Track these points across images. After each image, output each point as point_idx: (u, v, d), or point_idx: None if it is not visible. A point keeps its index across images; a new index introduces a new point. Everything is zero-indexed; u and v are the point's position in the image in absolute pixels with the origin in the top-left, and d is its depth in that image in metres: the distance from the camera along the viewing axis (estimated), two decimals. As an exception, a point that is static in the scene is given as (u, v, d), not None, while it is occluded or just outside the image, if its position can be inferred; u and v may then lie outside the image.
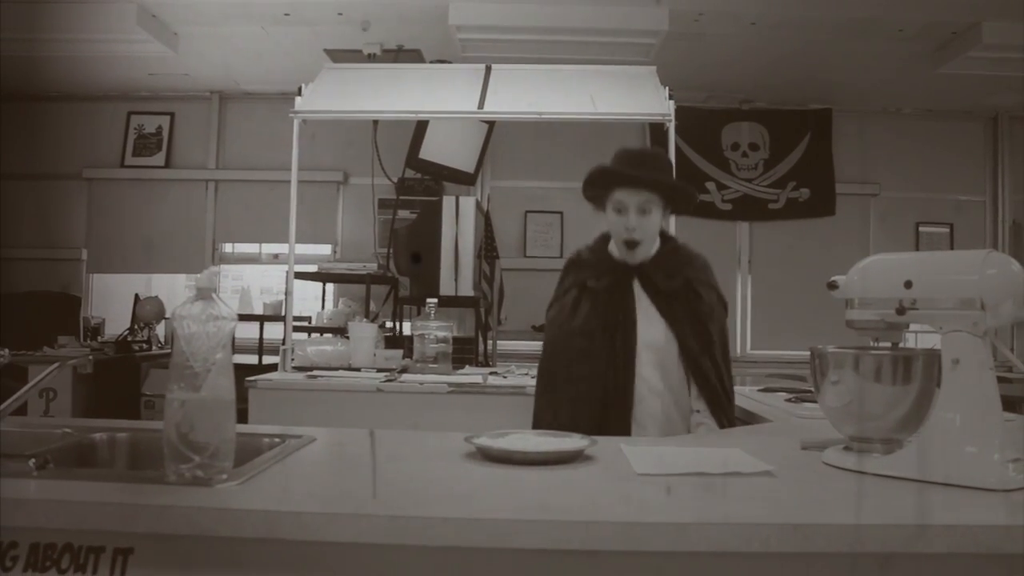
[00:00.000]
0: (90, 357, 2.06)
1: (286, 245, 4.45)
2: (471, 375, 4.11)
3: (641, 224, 2.51)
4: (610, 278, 2.60)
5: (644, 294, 2.58)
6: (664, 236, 2.68)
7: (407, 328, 5.35)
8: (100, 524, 1.34)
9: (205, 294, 1.51)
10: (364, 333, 4.33)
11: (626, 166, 2.55)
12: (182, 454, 1.45)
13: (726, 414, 2.56)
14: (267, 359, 5.44)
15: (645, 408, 2.50)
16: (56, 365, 1.94)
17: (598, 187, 2.59)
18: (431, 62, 5.90)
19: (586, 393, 2.49)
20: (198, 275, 1.54)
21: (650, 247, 2.59)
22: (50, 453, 1.58)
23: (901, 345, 1.77)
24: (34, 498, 1.38)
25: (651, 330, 2.53)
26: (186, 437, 1.45)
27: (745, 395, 3.36)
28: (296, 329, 4.93)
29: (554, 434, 1.97)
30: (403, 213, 6.25)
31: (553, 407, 2.56)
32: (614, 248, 2.63)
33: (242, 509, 1.35)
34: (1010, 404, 1.89)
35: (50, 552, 1.34)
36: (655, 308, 2.55)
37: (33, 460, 1.51)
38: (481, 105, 4.41)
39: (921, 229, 7.10)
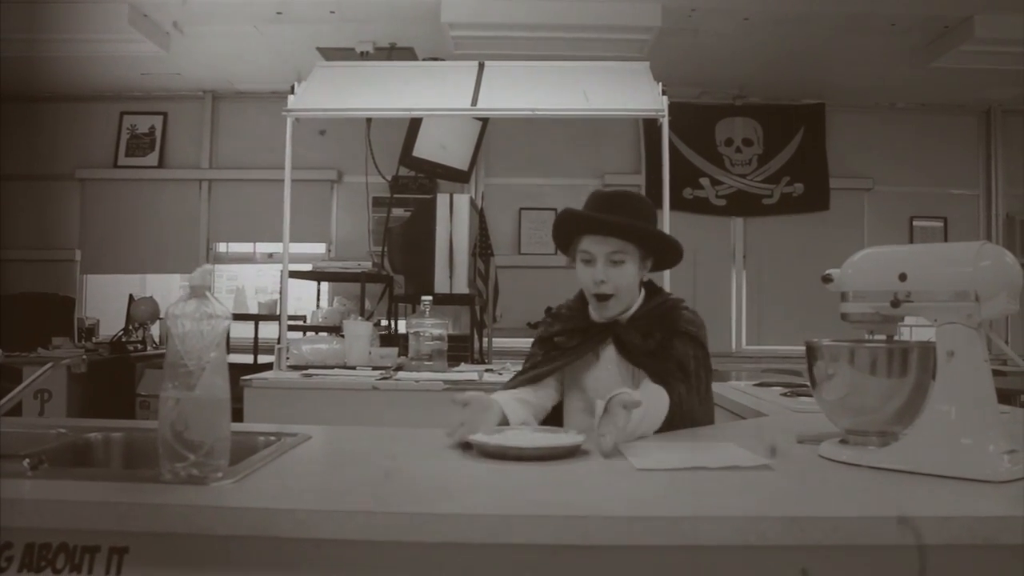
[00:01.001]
0: (84, 357, 2.06)
1: (280, 244, 4.45)
2: (466, 372, 4.11)
3: (611, 276, 2.21)
4: (580, 338, 2.33)
5: (617, 357, 2.29)
6: (650, 288, 2.40)
7: (402, 326, 5.35)
8: (95, 523, 1.34)
9: (199, 292, 1.50)
10: (359, 331, 4.32)
11: (596, 209, 2.27)
12: (177, 453, 1.45)
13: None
14: (262, 358, 5.43)
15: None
16: (50, 365, 1.93)
17: (564, 233, 2.31)
18: (424, 60, 5.89)
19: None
20: (191, 274, 1.54)
21: (625, 303, 2.29)
22: (45, 453, 1.57)
23: (896, 338, 1.77)
24: (29, 498, 1.38)
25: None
26: (181, 436, 1.45)
27: (740, 390, 3.37)
28: (291, 328, 4.93)
29: (551, 430, 1.96)
30: (397, 211, 6.24)
31: None
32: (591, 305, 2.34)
33: (237, 507, 1.35)
34: (1005, 397, 1.90)
35: (45, 552, 1.34)
36: (627, 373, 2.27)
37: (28, 460, 1.50)
38: (474, 102, 4.41)
39: (915, 223, 7.11)
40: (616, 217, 2.22)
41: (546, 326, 2.44)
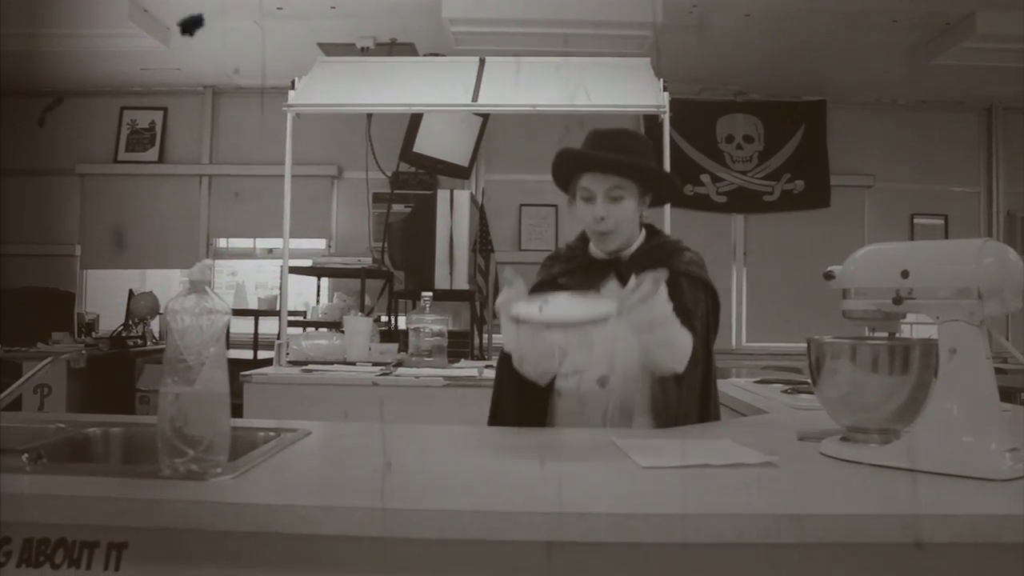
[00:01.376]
0: (83, 352, 2.05)
1: (280, 240, 4.45)
2: (466, 368, 4.11)
3: (611, 212, 2.23)
4: (582, 275, 2.34)
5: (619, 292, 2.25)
6: (651, 230, 2.42)
7: (402, 322, 5.34)
8: (94, 519, 1.33)
9: (198, 287, 1.50)
10: (359, 327, 4.32)
11: (594, 147, 2.29)
12: (176, 448, 1.45)
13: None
14: (262, 354, 5.42)
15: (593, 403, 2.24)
16: (49, 359, 1.93)
17: (563, 171, 2.33)
18: (424, 55, 5.89)
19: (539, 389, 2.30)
20: (191, 268, 1.53)
21: (626, 238, 2.31)
22: (43, 448, 1.57)
23: (897, 335, 1.77)
24: (27, 493, 1.37)
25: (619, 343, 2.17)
26: (180, 431, 1.45)
27: (741, 387, 3.36)
28: (291, 324, 4.92)
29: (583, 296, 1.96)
30: (397, 207, 6.24)
31: (501, 398, 2.38)
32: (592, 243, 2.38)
33: (237, 503, 1.34)
34: (1006, 395, 1.89)
35: (44, 547, 1.34)
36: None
37: (26, 455, 1.50)
38: (475, 98, 4.41)
39: (916, 220, 7.10)
40: (613, 154, 2.25)
41: (546, 269, 2.46)
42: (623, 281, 2.10)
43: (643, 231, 2.40)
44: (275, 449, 1.73)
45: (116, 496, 1.35)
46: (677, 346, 2.11)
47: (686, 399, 2.21)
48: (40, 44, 5.69)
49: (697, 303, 2.27)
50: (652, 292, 1.90)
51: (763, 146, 7.06)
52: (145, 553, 1.34)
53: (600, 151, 2.27)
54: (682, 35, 5.62)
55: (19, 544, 1.34)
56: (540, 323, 1.91)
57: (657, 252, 2.32)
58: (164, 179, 7.16)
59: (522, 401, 2.30)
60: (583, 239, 2.42)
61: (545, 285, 2.38)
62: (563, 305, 1.93)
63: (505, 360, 2.32)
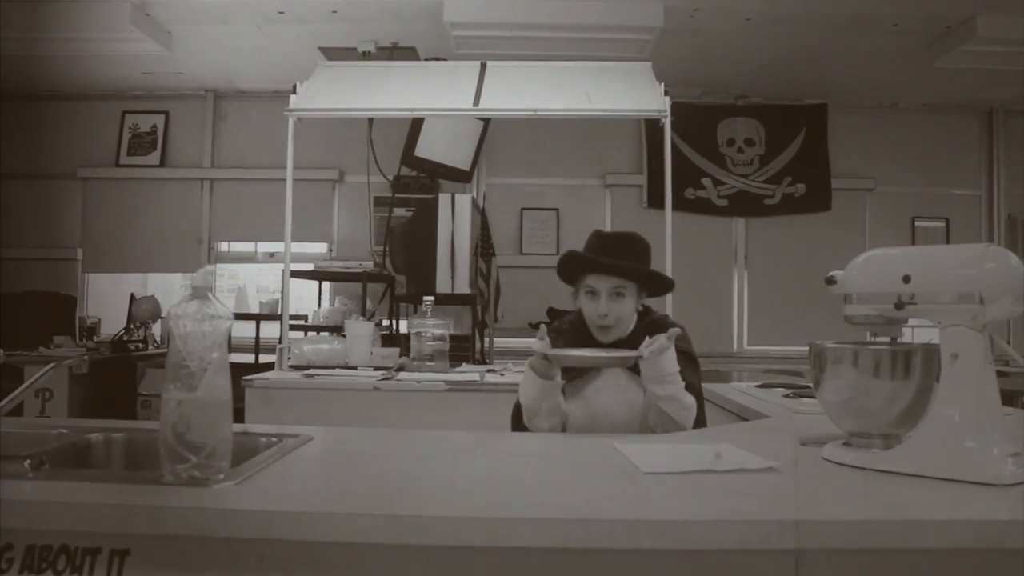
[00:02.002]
0: (86, 357, 2.06)
1: (282, 243, 4.44)
2: (468, 373, 4.10)
3: (613, 309, 2.47)
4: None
5: (619, 371, 2.49)
6: (643, 310, 2.62)
7: (404, 326, 5.34)
8: (96, 525, 1.33)
9: (201, 293, 1.50)
10: (361, 331, 4.32)
11: (599, 252, 2.51)
12: (179, 454, 1.45)
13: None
14: (264, 358, 5.42)
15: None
16: (51, 365, 1.93)
17: (569, 272, 2.56)
18: (426, 60, 5.89)
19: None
20: (193, 274, 1.53)
21: (625, 328, 2.53)
22: (46, 454, 1.57)
23: (899, 340, 1.77)
24: (30, 499, 1.37)
25: (618, 407, 2.45)
26: (183, 437, 1.45)
27: (742, 391, 3.36)
28: (292, 328, 4.92)
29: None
30: (399, 211, 6.24)
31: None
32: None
33: (239, 509, 1.34)
34: (1008, 398, 1.89)
35: (46, 554, 1.34)
36: (625, 383, 2.47)
37: (28, 461, 1.50)
38: (476, 102, 4.40)
39: (917, 224, 7.10)
40: (615, 260, 2.48)
41: (551, 340, 2.53)
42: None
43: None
44: (277, 455, 1.73)
45: (118, 503, 1.35)
46: (683, 403, 2.34)
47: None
48: (42, 48, 5.70)
49: (697, 382, 2.50)
50: (667, 346, 2.26)
51: (764, 149, 7.06)
52: (147, 560, 1.34)
53: (604, 254, 2.50)
54: (683, 39, 5.62)
55: (21, 551, 1.34)
56: (576, 357, 2.31)
57: (650, 329, 2.48)
58: (166, 183, 7.16)
59: None
60: (581, 317, 2.60)
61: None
62: (588, 352, 2.34)
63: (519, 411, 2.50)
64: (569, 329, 2.62)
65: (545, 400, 2.36)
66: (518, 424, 2.49)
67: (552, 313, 6.22)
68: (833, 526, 1.31)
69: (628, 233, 2.66)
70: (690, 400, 2.35)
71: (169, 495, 1.39)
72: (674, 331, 2.28)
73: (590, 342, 2.52)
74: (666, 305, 4.04)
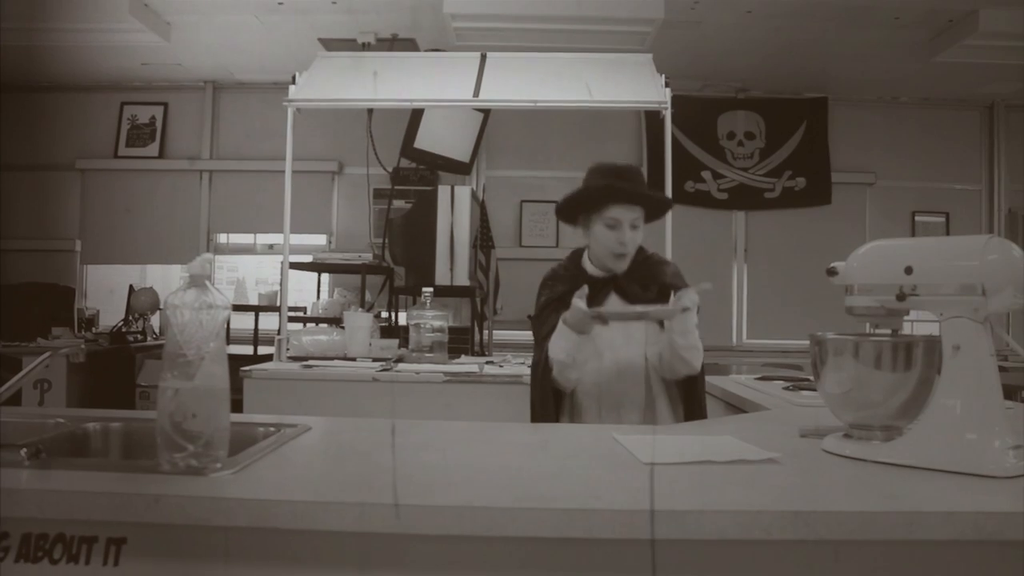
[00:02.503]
0: (82, 346, 2.05)
1: (281, 235, 4.44)
2: (467, 364, 4.10)
3: (633, 239, 2.54)
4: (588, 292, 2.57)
5: (620, 303, 2.57)
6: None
7: (403, 318, 5.33)
8: (92, 514, 1.32)
9: (198, 282, 1.49)
10: (359, 323, 4.32)
11: (620, 181, 2.55)
12: (176, 443, 1.44)
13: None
14: (263, 349, 5.42)
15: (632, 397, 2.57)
16: (47, 354, 1.92)
17: (586, 201, 2.58)
18: (426, 51, 5.87)
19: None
20: (190, 263, 1.53)
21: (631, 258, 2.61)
22: (42, 443, 1.56)
23: (900, 332, 1.76)
24: (25, 488, 1.36)
25: (620, 339, 2.56)
26: (180, 426, 1.44)
27: (743, 383, 3.36)
28: (291, 319, 4.92)
29: None
30: (398, 203, 6.23)
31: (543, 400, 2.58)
32: (587, 263, 2.66)
33: (236, 498, 1.33)
34: (1009, 392, 1.88)
35: (42, 542, 1.33)
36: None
37: (25, 450, 1.49)
38: (476, 93, 4.39)
39: (917, 218, 7.10)
40: (637, 187, 2.57)
41: (550, 289, 2.69)
42: (620, 293, 2.58)
43: None
44: (275, 444, 1.73)
45: (115, 491, 1.35)
46: (699, 349, 2.50)
47: (700, 393, 2.63)
48: (40, 39, 5.68)
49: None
50: (697, 301, 2.40)
51: (764, 143, 7.05)
52: (144, 548, 1.33)
53: (625, 184, 2.55)
54: (684, 31, 5.60)
55: (17, 539, 1.33)
56: (633, 312, 2.46)
57: (646, 266, 2.64)
58: (164, 174, 7.15)
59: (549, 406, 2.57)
60: (574, 258, 2.72)
61: (554, 302, 2.61)
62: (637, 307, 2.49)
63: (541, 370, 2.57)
64: (565, 273, 2.70)
65: (579, 352, 2.45)
66: (542, 392, 2.55)
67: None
68: (834, 517, 1.30)
69: (629, 165, 2.72)
70: (701, 344, 2.51)
71: (166, 484, 1.38)
72: (704, 286, 2.42)
73: (590, 281, 2.56)
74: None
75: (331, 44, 5.87)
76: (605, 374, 2.54)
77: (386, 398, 3.68)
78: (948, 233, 7.01)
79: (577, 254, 2.72)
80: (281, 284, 4.60)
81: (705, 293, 2.41)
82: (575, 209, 2.63)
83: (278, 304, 4.87)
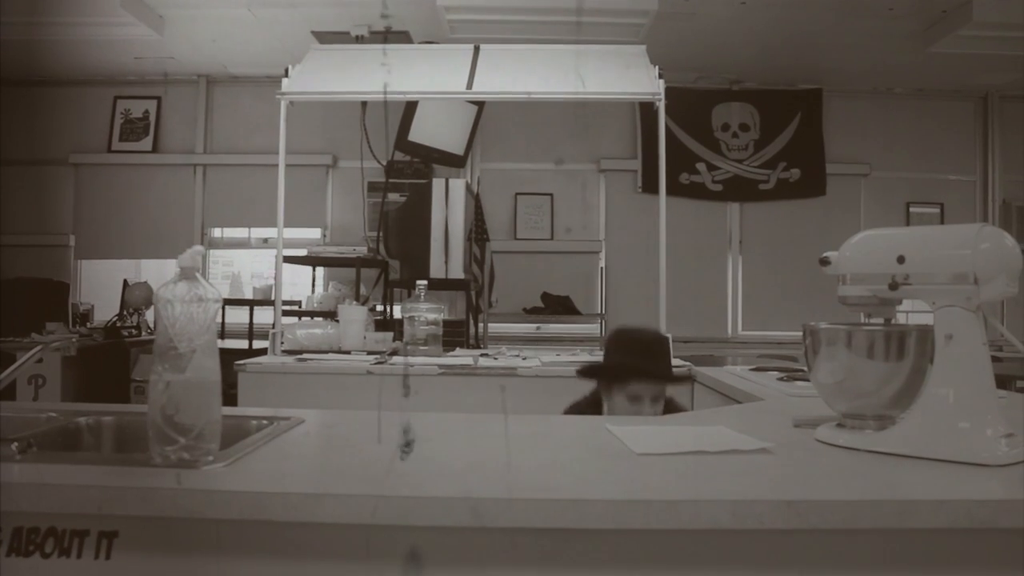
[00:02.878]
0: (74, 340, 2.04)
1: (275, 229, 4.43)
2: (462, 357, 4.10)
3: (655, 411, 2.55)
4: None
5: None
6: None
7: (397, 311, 5.33)
8: (84, 507, 1.32)
9: (188, 274, 1.49)
10: (354, 316, 4.31)
11: (646, 360, 2.57)
12: (167, 436, 1.43)
13: None
14: (257, 343, 5.41)
15: None
16: (39, 348, 1.92)
17: (615, 378, 2.59)
18: (419, 43, 5.86)
19: None
20: (181, 255, 1.52)
21: None
22: (34, 437, 1.55)
23: (893, 321, 1.76)
24: (16, 481, 1.35)
25: None
26: (171, 419, 1.43)
27: (736, 375, 3.35)
28: (286, 313, 4.91)
29: None
30: (393, 196, 6.23)
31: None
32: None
33: (228, 491, 1.33)
34: (1001, 382, 1.88)
35: (34, 536, 1.32)
36: None
37: (16, 444, 1.48)
38: (470, 85, 4.38)
39: (912, 209, 7.11)
40: (660, 365, 2.61)
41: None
42: None
43: None
44: (268, 437, 1.72)
45: (106, 484, 1.34)
46: None
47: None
48: (33, 33, 5.66)
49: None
50: None
51: (759, 134, 7.05)
52: (136, 541, 1.32)
53: (646, 359, 2.56)
54: (678, 23, 5.60)
55: (9, 533, 1.33)
56: None
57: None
58: (158, 168, 7.13)
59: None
60: (597, 401, 2.68)
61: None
62: None
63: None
64: (589, 411, 2.69)
65: None
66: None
67: (546, 298, 6.22)
68: (827, 506, 1.30)
69: (655, 334, 2.75)
70: None
71: (158, 477, 1.37)
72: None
73: None
74: (661, 292, 4.03)
75: (324, 37, 5.86)
76: None
77: (380, 391, 3.67)
78: (943, 224, 7.01)
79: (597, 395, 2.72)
80: (276, 278, 4.59)
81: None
82: (598, 376, 2.67)
83: (273, 298, 4.86)
